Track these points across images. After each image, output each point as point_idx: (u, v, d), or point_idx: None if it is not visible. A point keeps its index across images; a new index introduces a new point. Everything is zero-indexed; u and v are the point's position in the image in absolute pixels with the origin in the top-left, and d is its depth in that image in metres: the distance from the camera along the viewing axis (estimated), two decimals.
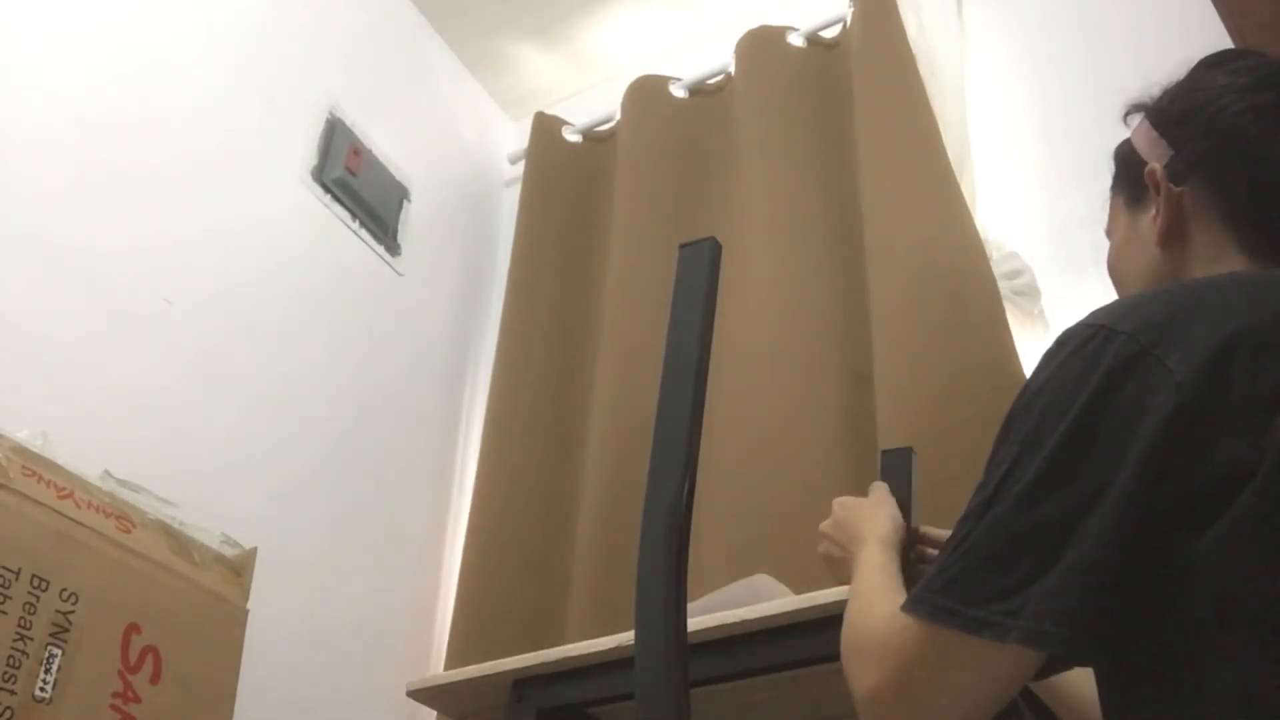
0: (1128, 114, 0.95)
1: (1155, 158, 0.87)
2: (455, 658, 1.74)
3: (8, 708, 1.07)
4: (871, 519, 0.98)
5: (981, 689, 0.70)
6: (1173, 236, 0.85)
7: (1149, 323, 0.70)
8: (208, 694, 1.31)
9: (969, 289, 1.54)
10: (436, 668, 1.84)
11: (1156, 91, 0.92)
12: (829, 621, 1.23)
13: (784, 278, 1.81)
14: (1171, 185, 0.85)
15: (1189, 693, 0.64)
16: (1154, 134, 0.89)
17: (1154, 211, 0.87)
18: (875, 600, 0.82)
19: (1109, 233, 0.96)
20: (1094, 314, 0.74)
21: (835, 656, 1.23)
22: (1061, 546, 0.66)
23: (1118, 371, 0.68)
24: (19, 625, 1.10)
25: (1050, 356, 0.74)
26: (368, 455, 1.92)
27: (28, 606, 1.11)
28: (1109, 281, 0.95)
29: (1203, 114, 0.86)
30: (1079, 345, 0.72)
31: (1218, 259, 0.83)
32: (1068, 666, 0.76)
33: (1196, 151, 0.85)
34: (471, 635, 1.77)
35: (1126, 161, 0.93)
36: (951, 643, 0.68)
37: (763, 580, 1.35)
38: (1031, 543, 0.67)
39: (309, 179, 1.96)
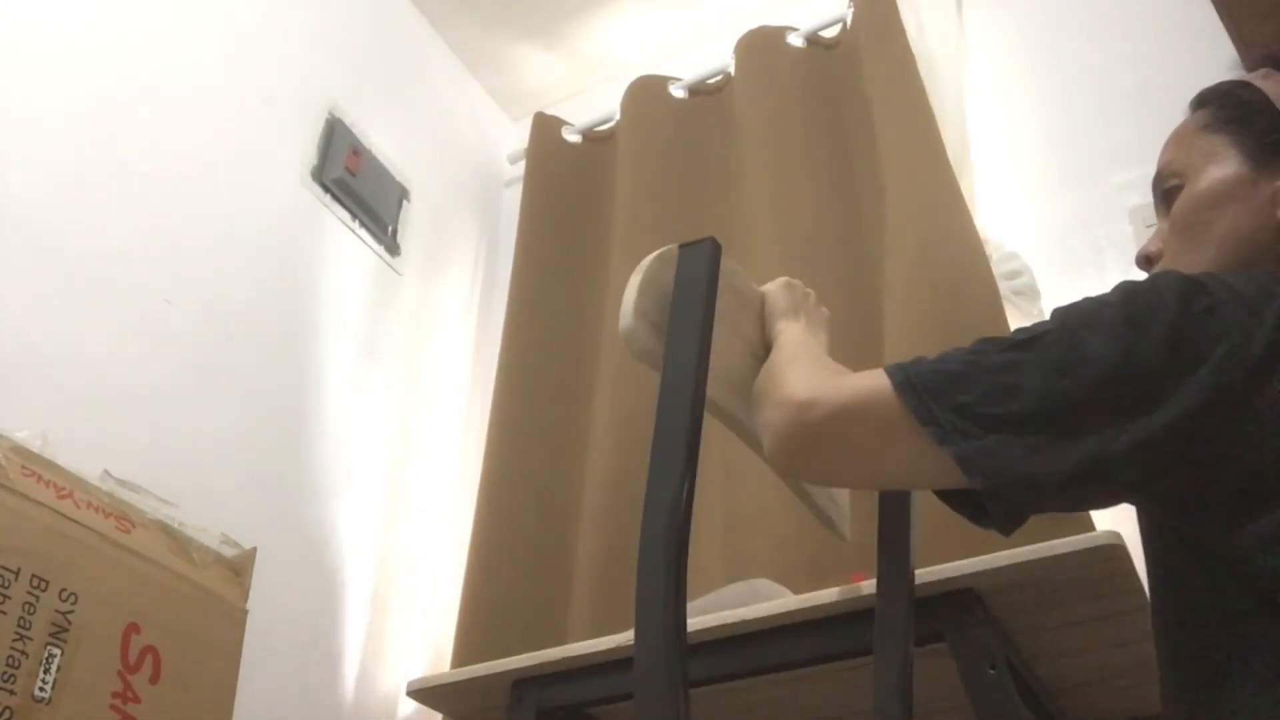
0: (1252, 67, 0.92)
1: None
2: (461, 658, 1.74)
3: (7, 708, 1.07)
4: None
5: (896, 476, 0.82)
6: None
7: None
8: (207, 694, 1.31)
9: (969, 290, 1.54)
10: (436, 668, 1.84)
11: None
12: (829, 622, 1.23)
13: (783, 276, 1.81)
14: None
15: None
16: None
17: None
18: (833, 367, 0.89)
19: (1192, 169, 0.90)
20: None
21: (835, 656, 1.24)
22: (1078, 429, 0.70)
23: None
24: (18, 625, 1.10)
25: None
26: (367, 455, 1.92)
27: (27, 606, 1.11)
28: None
29: None
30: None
31: None
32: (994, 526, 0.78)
33: None
34: (476, 636, 1.77)
35: (1256, 111, 0.87)
36: (900, 421, 0.75)
37: (763, 584, 1.34)
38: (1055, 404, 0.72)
39: (309, 179, 1.96)
